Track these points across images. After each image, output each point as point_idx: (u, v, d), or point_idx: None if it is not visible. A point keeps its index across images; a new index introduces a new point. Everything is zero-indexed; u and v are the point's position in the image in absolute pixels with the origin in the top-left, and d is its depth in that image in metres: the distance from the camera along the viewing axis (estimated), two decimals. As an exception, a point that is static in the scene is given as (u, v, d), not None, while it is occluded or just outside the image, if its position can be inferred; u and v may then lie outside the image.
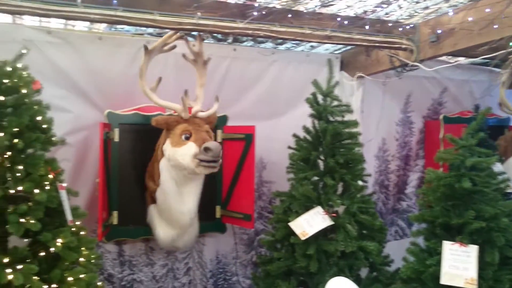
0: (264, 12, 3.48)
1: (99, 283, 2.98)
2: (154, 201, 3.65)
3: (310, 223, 3.43)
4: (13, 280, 2.43)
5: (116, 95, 3.88)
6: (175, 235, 3.66)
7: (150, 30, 3.96)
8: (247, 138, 3.91)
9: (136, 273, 4.00)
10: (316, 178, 3.66)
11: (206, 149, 3.16)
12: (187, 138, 3.32)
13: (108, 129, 3.60)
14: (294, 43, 4.54)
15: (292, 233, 3.46)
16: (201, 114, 3.50)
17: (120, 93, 3.89)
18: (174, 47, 3.57)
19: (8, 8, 3.00)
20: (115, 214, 3.68)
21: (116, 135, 3.66)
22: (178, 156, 3.28)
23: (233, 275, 4.46)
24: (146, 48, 3.40)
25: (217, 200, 4.08)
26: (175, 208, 3.49)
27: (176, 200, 3.46)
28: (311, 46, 4.67)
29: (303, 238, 3.38)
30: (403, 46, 4.04)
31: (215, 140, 3.76)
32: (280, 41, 4.32)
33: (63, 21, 3.72)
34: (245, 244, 4.52)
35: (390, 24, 3.98)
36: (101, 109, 3.81)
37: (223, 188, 4.10)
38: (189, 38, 3.64)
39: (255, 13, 3.43)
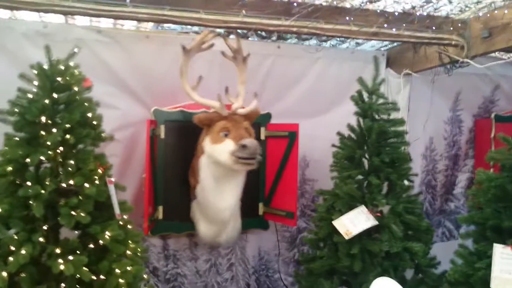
0: (309, 10, 3.45)
1: (145, 276, 3.06)
2: (195, 197, 3.71)
3: (353, 222, 3.39)
4: (64, 270, 2.53)
5: (162, 93, 3.96)
6: (216, 231, 3.70)
7: (196, 28, 4.01)
8: (290, 135, 3.89)
9: (180, 267, 4.07)
10: (360, 177, 3.60)
11: (243, 146, 3.17)
12: (226, 135, 3.33)
13: (154, 126, 3.68)
14: (339, 40, 4.49)
15: (335, 231, 3.42)
16: (240, 111, 3.51)
17: (166, 91, 3.96)
18: (212, 45, 3.59)
19: (61, 9, 3.12)
20: (160, 209, 3.76)
21: (162, 132, 3.73)
22: (216, 153, 3.31)
23: (276, 272, 4.47)
24: (184, 48, 3.45)
25: (260, 197, 4.10)
26: (214, 204, 3.52)
27: (215, 196, 3.49)
28: (357, 43, 4.60)
29: (346, 237, 3.34)
30: (453, 42, 3.91)
31: (258, 137, 3.77)
32: (324, 38, 4.27)
33: (113, 20, 3.84)
34: (287, 241, 4.52)
35: (439, 20, 3.86)
36: (148, 106, 3.90)
37: (266, 185, 4.10)
38: (231, 36, 3.66)
39: (300, 10, 3.42)
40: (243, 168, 3.35)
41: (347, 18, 3.59)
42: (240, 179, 3.58)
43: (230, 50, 3.61)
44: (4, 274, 2.49)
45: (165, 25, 3.94)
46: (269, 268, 4.44)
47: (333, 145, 3.77)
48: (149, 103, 3.92)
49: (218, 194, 3.49)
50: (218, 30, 3.56)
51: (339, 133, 3.76)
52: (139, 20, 3.43)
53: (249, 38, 4.09)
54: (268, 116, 4.06)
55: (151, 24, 3.97)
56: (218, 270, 4.22)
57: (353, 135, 3.70)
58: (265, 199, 4.11)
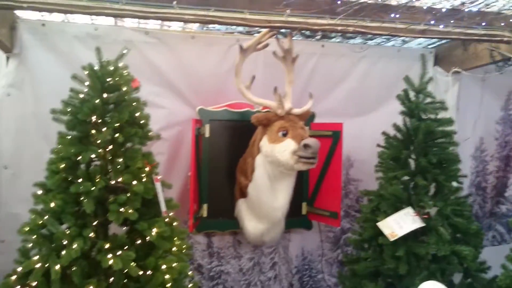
0: (354, 8, 3.41)
1: (190, 273, 3.11)
2: (243, 195, 3.73)
3: (399, 224, 3.32)
4: (113, 264, 2.60)
5: (207, 92, 4.02)
6: (264, 230, 3.72)
7: (240, 28, 4.04)
8: (334, 135, 3.86)
9: (223, 265, 4.12)
10: (406, 177, 3.53)
11: (306, 146, 3.16)
12: (284, 135, 3.33)
13: (199, 125, 3.74)
14: (384, 38, 4.41)
15: (380, 233, 3.37)
16: (296, 111, 3.50)
17: (211, 90, 4.02)
18: (267, 45, 3.60)
19: (111, 12, 3.21)
20: (205, 207, 3.82)
21: (207, 131, 3.79)
22: (276, 152, 3.31)
23: (319, 272, 4.44)
24: (241, 47, 3.47)
25: (304, 197, 4.08)
26: (268, 203, 3.53)
27: (269, 195, 3.50)
28: (403, 41, 4.50)
29: (392, 239, 3.28)
30: (505, 39, 3.76)
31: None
32: (369, 36, 4.21)
33: (160, 21, 3.92)
34: (331, 242, 4.48)
35: (491, 16, 3.72)
36: (193, 105, 3.97)
37: (309, 185, 4.09)
38: (278, 36, 3.66)
39: (345, 9, 3.38)
40: (304, 168, 3.34)
41: (393, 15, 3.52)
42: (293, 179, 3.57)
43: (281, 50, 3.61)
44: (58, 267, 2.59)
45: (210, 25, 3.99)
46: (312, 268, 4.42)
47: (379, 145, 3.71)
48: (194, 102, 3.99)
49: (272, 193, 3.50)
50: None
51: (384, 133, 3.70)
52: (185, 21, 3.49)
53: (293, 38, 4.09)
54: (311, 115, 4.05)
55: (196, 24, 4.03)
56: (261, 268, 4.24)
57: (399, 135, 3.63)
58: (309, 198, 4.10)
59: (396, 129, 3.62)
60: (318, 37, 4.32)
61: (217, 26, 4.05)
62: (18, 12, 3.61)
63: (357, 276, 3.57)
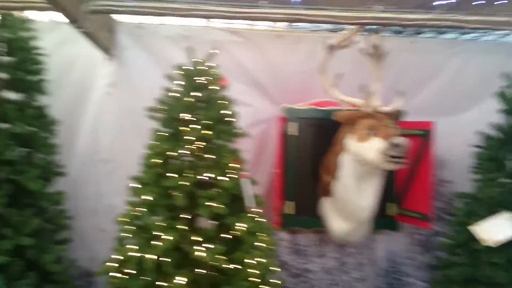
0: (448, 1, 3.25)
1: (275, 269, 3.13)
2: (327, 193, 3.69)
3: (497, 229, 3.11)
4: (202, 257, 2.69)
5: (293, 90, 4.03)
6: (349, 229, 3.65)
7: (328, 26, 4.01)
8: (424, 134, 3.70)
9: (308, 263, 4.10)
10: (506, 180, 3.29)
11: (395, 145, 3.06)
12: (372, 134, 3.25)
13: (285, 123, 3.76)
14: (480, 32, 4.15)
15: (475, 238, 3.18)
16: (384, 109, 3.40)
17: (297, 88, 4.03)
18: (356, 42, 3.53)
19: (202, 13, 3.34)
20: (290, 204, 3.83)
21: (293, 129, 3.79)
22: (364, 151, 3.23)
23: (406, 276, 4.26)
24: (328, 45, 3.44)
25: (390, 197, 3.95)
26: (354, 202, 3.45)
27: (355, 194, 3.43)
28: (502, 34, 4.21)
29: (488, 244, 3.08)
30: None
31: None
32: (464, 30, 3.99)
33: (248, 21, 4.00)
34: (420, 245, 4.28)
35: None
36: (278, 103, 3.99)
37: (397, 185, 3.95)
38: (366, 32, 3.58)
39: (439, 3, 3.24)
40: (393, 167, 3.22)
41: (493, 7, 3.31)
42: (380, 178, 3.47)
43: (370, 47, 3.52)
44: (151, 256, 2.72)
45: (297, 24, 4.00)
46: (399, 271, 4.25)
47: (476, 146, 3.49)
48: (279, 100, 4.01)
49: (359, 193, 3.42)
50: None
51: (481, 132, 3.48)
52: (273, 20, 3.54)
53: (381, 34, 3.98)
54: (401, 113, 3.90)
55: (283, 23, 4.06)
56: (346, 269, 4.16)
57: (498, 135, 3.40)
58: (397, 199, 3.96)
59: (495, 128, 3.40)
60: (408, 32, 4.16)
61: (303, 24, 4.05)
62: (116, 16, 3.85)
63: (451, 282, 3.40)
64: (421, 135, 3.73)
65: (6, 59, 3.36)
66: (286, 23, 4.15)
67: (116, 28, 3.89)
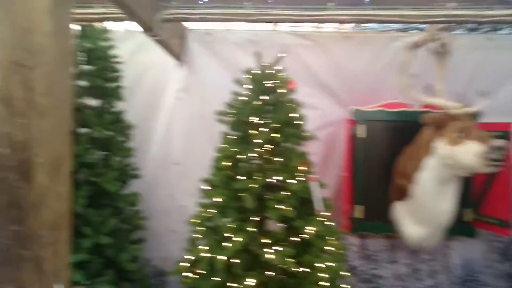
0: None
1: (345, 273, 3.09)
2: (400, 197, 3.59)
3: None
4: (272, 259, 2.71)
5: (361, 92, 3.97)
6: (424, 235, 3.52)
7: (397, 25, 3.91)
8: (504, 135, 3.50)
9: (378, 269, 4.01)
10: None
11: (496, 148, 2.93)
12: (463, 136, 3.11)
13: (354, 125, 3.71)
14: None
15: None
16: (469, 110, 3.24)
17: (365, 90, 3.96)
18: (437, 40, 3.40)
19: (269, 18, 3.37)
20: (359, 208, 3.76)
21: (361, 131, 3.73)
22: (459, 154, 3.08)
23: (484, 285, 4.05)
24: (408, 45, 3.34)
25: (467, 202, 3.77)
26: (433, 206, 3.32)
27: (435, 199, 3.29)
28: None
29: None
30: None
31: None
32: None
33: (315, 24, 3.99)
34: (498, 252, 4.05)
35: None
36: (346, 105, 3.95)
37: (474, 190, 3.76)
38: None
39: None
40: (493, 170, 3.08)
41: None
42: (459, 183, 3.33)
43: (439, 45, 3.39)
44: (222, 257, 2.78)
45: (365, 24, 3.94)
46: (476, 280, 4.04)
47: None
48: (347, 102, 3.97)
49: (439, 197, 3.30)
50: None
51: None
52: (341, 22, 3.51)
53: (453, 31, 3.82)
54: (477, 114, 3.71)
55: (351, 24, 4.01)
56: (419, 276, 4.02)
57: None
58: (473, 205, 3.78)
59: None
60: (485, 29, 3.96)
61: (371, 25, 3.97)
62: (187, 24, 3.98)
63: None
64: (501, 136, 3.53)
65: (86, 67, 3.58)
66: (353, 24, 4.09)
67: (187, 35, 4.03)
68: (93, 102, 3.65)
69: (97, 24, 3.66)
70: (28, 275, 1.58)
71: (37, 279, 1.57)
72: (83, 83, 3.55)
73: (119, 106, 3.79)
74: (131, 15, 2.95)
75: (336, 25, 4.12)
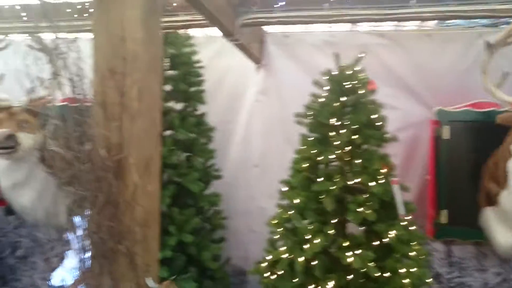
0: None
1: (429, 280, 2.98)
2: (491, 203, 3.38)
3: None
4: (352, 263, 2.68)
5: (445, 92, 3.80)
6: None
7: (484, 21, 3.71)
8: None
9: (465, 277, 3.81)
10: None
11: None
12: None
13: (437, 126, 3.56)
14: None
15: None
16: None
17: (449, 90, 3.79)
18: None
19: (348, 18, 3.33)
20: (444, 212, 3.60)
21: (446, 133, 3.58)
22: None
23: None
24: (488, 43, 3.17)
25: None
26: None
27: None
28: None
29: None
30: None
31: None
32: None
33: (394, 23, 3.89)
34: None
35: None
36: (429, 106, 3.81)
37: None
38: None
39: None
40: None
41: None
42: None
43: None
44: (301, 259, 2.80)
45: (449, 21, 3.77)
46: None
47: None
48: (430, 103, 3.82)
49: None
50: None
51: None
52: (423, 19, 3.39)
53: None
54: None
55: (433, 22, 3.86)
56: (511, 286, 3.77)
57: None
58: None
59: None
60: None
61: (456, 21, 3.80)
62: (266, 27, 4.04)
63: None
64: None
65: (171, 72, 3.74)
66: (435, 21, 3.93)
67: (265, 38, 4.09)
68: (177, 105, 3.81)
69: (181, 31, 3.82)
70: (122, 268, 1.69)
71: (130, 273, 1.67)
72: (167, 87, 3.72)
73: (201, 109, 3.92)
74: (213, 21, 3.05)
75: (418, 22, 3.97)
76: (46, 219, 3.41)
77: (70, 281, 2.02)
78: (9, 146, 3.04)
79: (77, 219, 1.73)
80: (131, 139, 1.73)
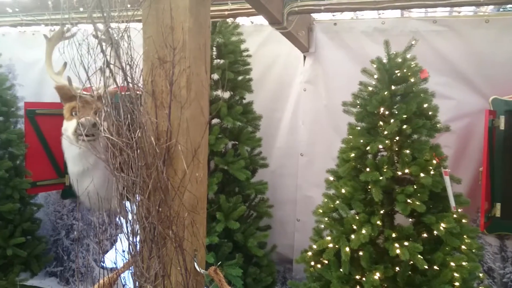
0: None
1: (480, 275, 2.89)
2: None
3: None
4: (400, 254, 2.63)
5: (503, 81, 3.62)
6: None
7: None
8: None
9: (520, 272, 3.68)
10: None
11: None
12: None
13: (493, 117, 3.42)
14: None
15: None
16: None
17: (507, 78, 3.61)
18: None
19: (400, 4, 3.23)
20: (498, 206, 3.47)
21: (502, 123, 3.43)
22: None
23: None
24: None
25: None
26: None
27: None
28: None
29: None
30: None
31: None
32: None
33: (448, 8, 3.74)
34: None
35: None
36: (485, 95, 3.65)
37: None
38: None
39: None
40: None
41: None
42: None
43: None
44: (347, 249, 2.77)
45: (509, 6, 3.58)
46: None
47: None
48: (486, 92, 3.65)
49: None
50: None
51: None
52: (480, 4, 3.23)
53: None
54: None
55: (491, 6, 3.68)
56: None
57: None
58: None
59: None
60: None
61: (516, 5, 3.61)
62: (314, 15, 3.99)
63: None
64: None
65: (218, 61, 3.77)
66: (493, 6, 3.74)
67: (313, 26, 4.04)
68: (224, 94, 3.84)
69: (229, 20, 3.84)
70: (170, 253, 1.74)
71: (179, 257, 1.72)
72: (215, 76, 3.76)
73: (248, 97, 3.94)
74: (261, 9, 3.04)
75: (474, 8, 3.80)
76: (102, 203, 3.54)
77: (120, 263, 2.10)
78: (92, 133, 3.16)
79: (127, 204, 1.78)
80: (180, 127, 1.77)
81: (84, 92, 2.97)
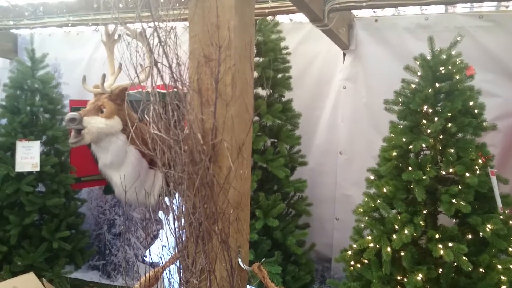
0: None
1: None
2: None
3: None
4: (444, 255, 2.57)
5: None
6: None
7: None
8: None
9: None
10: None
11: None
12: None
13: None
14: None
15: None
16: None
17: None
18: None
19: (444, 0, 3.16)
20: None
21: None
22: None
23: None
24: None
25: None
26: None
27: None
28: None
29: None
30: None
31: None
32: None
33: (495, 3, 3.63)
34: None
35: None
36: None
37: None
38: None
39: None
40: None
41: None
42: None
43: None
44: (389, 249, 2.74)
45: None
46: None
47: None
48: (535, 90, 3.53)
49: None
50: None
51: None
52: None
53: None
54: None
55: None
56: None
57: None
58: None
59: None
60: None
61: None
62: (355, 12, 3.94)
63: None
64: None
65: (258, 59, 3.78)
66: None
67: (354, 23, 4.00)
68: (264, 92, 3.85)
69: (268, 18, 3.84)
70: (215, 249, 1.76)
71: (223, 253, 1.74)
72: (255, 74, 3.76)
73: (287, 95, 3.93)
74: (302, 7, 3.03)
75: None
76: (137, 199, 3.64)
77: (162, 258, 2.13)
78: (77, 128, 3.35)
79: (172, 200, 1.82)
80: (225, 124, 1.78)
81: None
